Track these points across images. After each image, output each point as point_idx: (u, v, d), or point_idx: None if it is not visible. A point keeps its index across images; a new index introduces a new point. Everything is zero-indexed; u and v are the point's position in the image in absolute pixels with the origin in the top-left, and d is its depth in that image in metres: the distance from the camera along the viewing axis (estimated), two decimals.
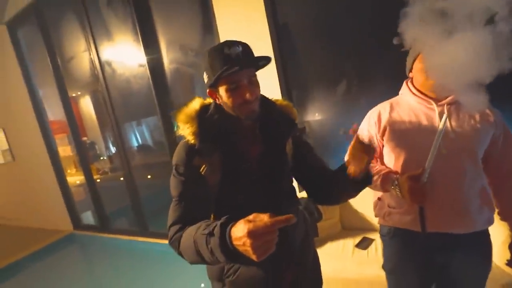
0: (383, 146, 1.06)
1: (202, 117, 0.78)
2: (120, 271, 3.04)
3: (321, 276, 1.02)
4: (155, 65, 2.70)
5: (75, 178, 4.38)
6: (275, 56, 2.06)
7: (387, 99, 1.09)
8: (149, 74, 2.69)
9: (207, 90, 0.79)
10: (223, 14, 2.17)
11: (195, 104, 0.82)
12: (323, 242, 1.86)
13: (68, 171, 4.49)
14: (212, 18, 2.22)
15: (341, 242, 1.83)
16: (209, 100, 0.85)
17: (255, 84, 0.75)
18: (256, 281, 0.82)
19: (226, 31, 2.17)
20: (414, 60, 0.96)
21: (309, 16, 2.10)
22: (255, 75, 0.76)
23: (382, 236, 1.13)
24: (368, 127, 1.07)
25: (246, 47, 0.74)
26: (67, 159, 4.30)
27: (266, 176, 0.82)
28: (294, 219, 0.53)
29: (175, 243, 0.73)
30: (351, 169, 0.78)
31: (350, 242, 1.80)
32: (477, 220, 0.93)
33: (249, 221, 0.53)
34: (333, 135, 2.24)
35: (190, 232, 0.68)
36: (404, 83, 1.03)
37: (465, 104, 0.90)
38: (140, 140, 3.82)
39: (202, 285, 2.42)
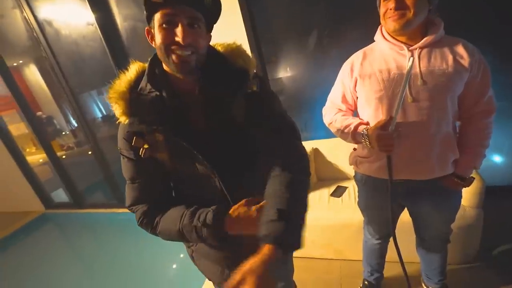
0: (357, 97, 1.05)
1: (135, 91, 0.67)
2: (103, 244, 3.04)
3: None
4: (106, 24, 2.37)
5: (36, 156, 4.06)
6: (241, 9, 1.88)
7: (360, 48, 1.06)
8: (100, 35, 2.37)
9: (146, 29, 0.66)
10: None
11: (131, 72, 0.70)
12: None
13: (27, 150, 4.13)
14: None
15: (317, 192, 1.93)
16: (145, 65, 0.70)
17: (196, 31, 0.61)
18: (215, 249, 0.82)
19: None
20: (379, 3, 0.92)
21: None
22: (201, 21, 0.62)
23: (356, 181, 1.21)
24: (343, 79, 1.06)
25: None
26: (23, 137, 3.92)
27: (222, 145, 0.70)
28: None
29: (148, 226, 0.74)
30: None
31: (325, 192, 1.90)
32: (440, 166, 0.97)
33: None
34: (305, 90, 2.22)
35: (172, 220, 0.71)
36: (378, 28, 0.99)
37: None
38: (104, 111, 3.53)
39: (182, 255, 2.49)
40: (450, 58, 0.88)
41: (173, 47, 0.60)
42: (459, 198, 1.08)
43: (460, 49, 0.88)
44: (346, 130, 1.03)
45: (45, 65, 2.86)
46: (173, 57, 0.61)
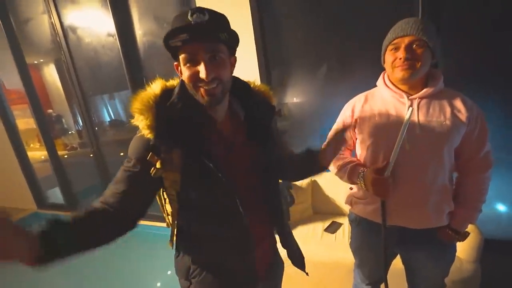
0: (356, 138, 1.06)
1: (160, 106, 0.66)
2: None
3: (302, 254, 1.04)
4: (126, 36, 2.48)
5: (38, 153, 4.08)
6: (255, 33, 1.96)
7: (366, 87, 1.08)
8: (119, 46, 2.48)
9: (174, 64, 0.70)
10: None
11: (155, 87, 0.70)
12: (294, 225, 1.91)
13: (31, 145, 4.17)
14: None
15: (312, 225, 1.88)
16: (172, 83, 0.74)
17: (219, 63, 0.64)
18: (225, 280, 0.80)
19: (205, 3, 2.01)
20: (384, 52, 0.95)
21: None
22: (223, 52, 0.65)
23: (350, 221, 1.19)
24: (344, 119, 1.07)
25: (216, 17, 0.63)
26: (30, 132, 3.97)
27: (250, 170, 0.77)
28: None
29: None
30: (323, 154, 0.80)
31: (320, 226, 1.86)
32: (434, 217, 0.95)
33: None
34: (311, 118, 2.24)
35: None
36: (381, 74, 1.02)
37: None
38: (112, 115, 3.59)
39: (169, 272, 2.42)
40: (448, 110, 0.89)
41: (199, 84, 0.64)
42: (454, 251, 1.05)
43: (459, 103, 0.90)
44: (342, 170, 1.03)
45: (62, 67, 2.97)
46: (201, 91, 0.65)
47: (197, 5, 2.03)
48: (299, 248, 1.02)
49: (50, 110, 4.25)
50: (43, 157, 3.99)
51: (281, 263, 1.00)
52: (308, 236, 1.79)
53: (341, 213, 1.97)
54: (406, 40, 0.86)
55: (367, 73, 1.91)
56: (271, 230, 0.89)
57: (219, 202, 0.72)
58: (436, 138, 0.88)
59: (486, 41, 1.68)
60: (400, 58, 0.87)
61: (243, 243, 0.77)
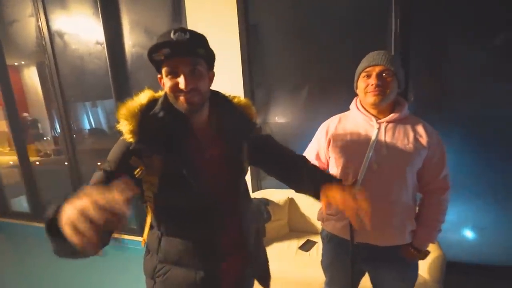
0: (329, 157, 1.12)
1: (145, 114, 0.73)
2: (54, 264, 2.76)
3: (269, 273, 1.02)
4: (115, 46, 2.50)
5: (7, 158, 3.86)
6: (241, 53, 2.05)
7: (342, 110, 1.16)
8: (106, 54, 2.49)
9: (158, 76, 0.77)
10: (193, 2, 2.10)
11: (143, 97, 0.77)
12: (270, 242, 1.91)
13: (0, 149, 3.94)
14: (182, 5, 2.14)
15: (286, 243, 1.89)
16: (160, 94, 0.80)
17: (198, 75, 0.72)
18: (186, 283, 0.80)
19: (195, 20, 2.10)
20: (357, 79, 1.04)
21: (281, 19, 2.13)
22: (202, 66, 0.73)
23: (321, 238, 1.22)
24: (319, 138, 1.13)
25: (195, 36, 0.71)
26: (1, 135, 3.77)
27: (221, 178, 0.81)
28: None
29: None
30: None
31: (295, 244, 1.87)
32: (398, 235, 1.01)
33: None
34: (291, 138, 2.31)
35: None
36: (354, 99, 1.11)
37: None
38: (93, 123, 3.49)
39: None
40: (411, 135, 0.98)
41: (179, 94, 0.71)
42: (416, 269, 1.09)
43: (421, 129, 0.99)
44: None
45: (45, 70, 2.92)
46: (181, 99, 0.71)
47: (188, 26, 2.12)
48: (268, 266, 1.02)
49: (26, 114, 4.08)
50: (11, 162, 3.77)
51: (251, 281, 0.98)
52: (283, 253, 1.79)
53: (316, 232, 2.00)
54: (377, 69, 0.96)
55: (343, 98, 2.05)
56: (243, 244, 0.88)
57: (191, 206, 0.77)
58: (400, 159, 0.96)
59: (448, 76, 1.87)
60: (372, 85, 0.97)
61: (210, 251, 0.80)
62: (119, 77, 2.56)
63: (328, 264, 1.21)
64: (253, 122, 0.88)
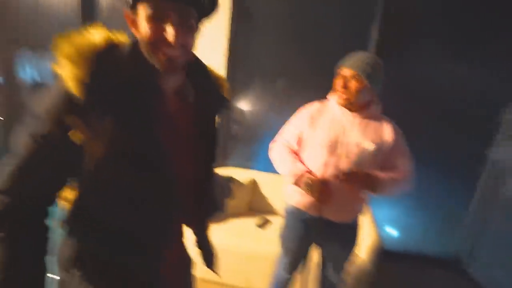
0: (304, 141, 1.21)
1: (102, 60, 0.52)
2: None
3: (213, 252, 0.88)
4: None
5: None
6: (230, 34, 2.01)
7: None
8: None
9: (125, 12, 0.57)
10: None
11: (97, 36, 0.54)
12: (228, 218, 1.99)
13: None
14: None
15: (245, 221, 1.99)
16: (118, 37, 0.58)
17: (189, 29, 0.55)
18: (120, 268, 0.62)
19: None
20: (336, 76, 1.14)
21: (272, 10, 2.12)
22: (195, 19, 0.56)
23: (285, 212, 1.34)
24: (299, 123, 1.22)
25: None
26: None
27: (188, 159, 0.68)
28: None
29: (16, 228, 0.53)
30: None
31: (253, 222, 1.98)
32: (352, 214, 1.19)
33: None
34: (262, 125, 2.37)
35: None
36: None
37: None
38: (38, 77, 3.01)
39: None
40: (379, 131, 1.12)
41: (161, 46, 0.54)
42: (355, 240, 1.28)
43: (388, 128, 1.13)
44: (292, 173, 1.16)
45: None
46: (160, 54, 0.54)
47: None
48: (213, 249, 0.86)
49: None
50: None
51: (190, 262, 0.83)
52: (241, 230, 1.88)
53: (274, 212, 2.14)
54: (350, 73, 1.07)
55: (320, 96, 2.16)
56: (185, 228, 0.78)
57: (147, 185, 0.59)
58: (368, 152, 1.10)
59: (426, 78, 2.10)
60: (340, 86, 1.09)
61: (155, 238, 0.65)
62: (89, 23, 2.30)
63: (285, 237, 1.34)
64: (226, 98, 0.76)
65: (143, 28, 0.53)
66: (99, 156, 0.53)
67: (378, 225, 1.80)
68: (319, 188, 1.08)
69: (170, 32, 0.52)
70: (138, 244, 0.62)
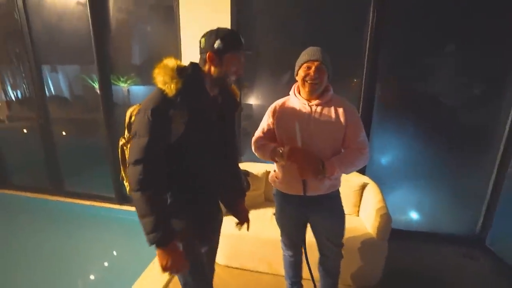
0: (275, 131, 1.37)
1: (186, 76, 0.91)
2: (20, 232, 2.72)
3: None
4: (98, 8, 2.42)
5: None
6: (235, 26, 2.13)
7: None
8: (89, 16, 2.40)
9: (208, 54, 0.95)
10: None
11: (171, 62, 0.92)
12: (247, 209, 2.12)
13: None
14: None
15: (263, 210, 2.13)
16: (180, 63, 0.96)
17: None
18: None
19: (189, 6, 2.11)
20: (299, 69, 1.28)
21: (271, 9, 2.25)
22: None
23: (274, 196, 1.50)
24: (268, 117, 1.39)
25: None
26: None
27: (221, 137, 1.11)
28: None
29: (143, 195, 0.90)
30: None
31: (269, 211, 2.12)
32: (329, 185, 1.31)
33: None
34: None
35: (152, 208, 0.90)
36: (293, 86, 1.36)
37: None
38: (52, 90, 3.08)
39: (114, 252, 2.42)
40: (333, 114, 1.25)
41: (234, 73, 1.01)
42: (342, 208, 1.42)
43: (341, 109, 1.25)
44: (266, 149, 1.31)
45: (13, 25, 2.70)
46: (232, 78, 1.02)
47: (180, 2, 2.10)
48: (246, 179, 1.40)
49: None
50: None
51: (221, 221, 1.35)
52: (259, 218, 2.03)
53: None
54: (316, 63, 1.22)
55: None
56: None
57: (205, 142, 1.03)
58: (325, 133, 1.25)
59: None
60: (311, 76, 1.23)
61: (214, 184, 1.14)
62: (102, 40, 2.50)
63: (279, 216, 1.50)
64: (238, 101, 1.18)
65: (230, 63, 0.98)
66: (181, 130, 0.92)
67: (398, 206, 1.83)
68: (291, 154, 1.20)
69: (241, 69, 1.03)
70: (207, 187, 1.09)
